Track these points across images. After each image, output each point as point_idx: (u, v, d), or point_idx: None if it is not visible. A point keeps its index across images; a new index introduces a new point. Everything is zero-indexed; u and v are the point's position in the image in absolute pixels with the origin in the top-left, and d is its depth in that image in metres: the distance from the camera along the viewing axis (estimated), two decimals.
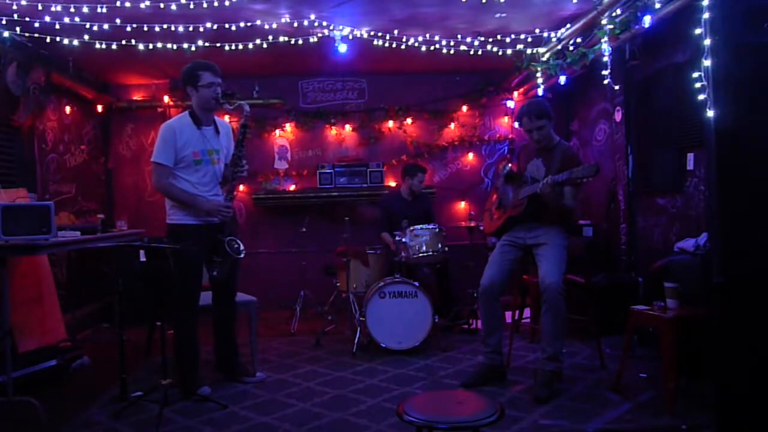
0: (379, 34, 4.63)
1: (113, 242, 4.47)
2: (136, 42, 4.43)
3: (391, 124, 6.32)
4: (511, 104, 6.28)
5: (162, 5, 3.80)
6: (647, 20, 3.69)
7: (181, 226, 3.40)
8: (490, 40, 4.74)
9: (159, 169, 3.35)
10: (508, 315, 4.15)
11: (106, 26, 4.06)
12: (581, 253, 3.93)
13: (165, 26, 4.17)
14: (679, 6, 3.47)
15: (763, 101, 2.18)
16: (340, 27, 4.40)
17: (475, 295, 4.45)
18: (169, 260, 4.04)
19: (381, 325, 4.21)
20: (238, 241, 3.40)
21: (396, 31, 4.63)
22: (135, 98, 6.19)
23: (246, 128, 3.42)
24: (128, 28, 4.14)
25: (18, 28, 4.07)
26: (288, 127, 6.29)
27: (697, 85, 3.00)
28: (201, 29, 4.25)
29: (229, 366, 3.69)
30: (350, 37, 4.50)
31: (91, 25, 4.03)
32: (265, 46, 4.54)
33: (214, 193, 3.46)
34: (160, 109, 6.14)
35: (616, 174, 5.13)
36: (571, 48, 4.47)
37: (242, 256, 3.40)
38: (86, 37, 4.21)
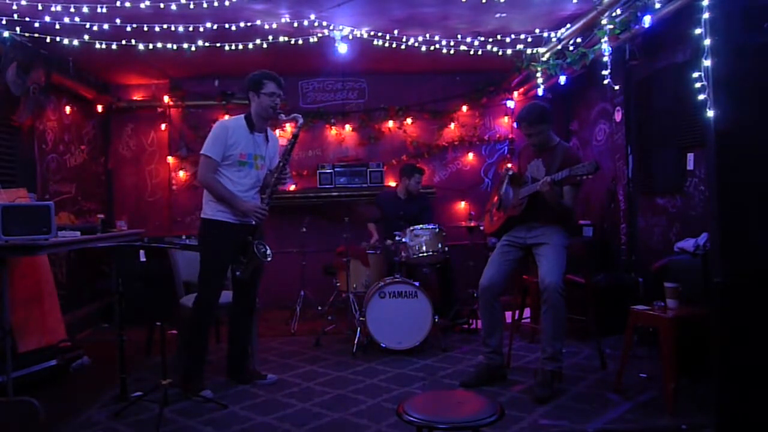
0: (379, 34, 4.63)
1: (113, 242, 4.48)
2: (136, 42, 4.43)
3: (391, 124, 6.32)
4: (511, 104, 6.28)
5: (162, 5, 3.80)
6: (647, 20, 3.69)
7: (215, 222, 3.43)
8: (490, 40, 4.74)
9: (207, 161, 3.40)
10: (508, 315, 4.15)
11: (106, 26, 4.06)
12: (581, 253, 3.93)
13: (165, 26, 4.16)
14: (679, 6, 3.47)
15: (763, 101, 2.18)
16: (340, 27, 4.40)
17: (475, 295, 4.45)
18: (170, 260, 4.06)
19: (381, 325, 4.21)
20: (265, 244, 3.43)
21: (396, 31, 4.63)
22: (135, 98, 6.19)
23: (296, 138, 3.51)
24: (128, 28, 4.14)
25: (18, 28, 4.07)
26: (288, 127, 6.28)
27: (697, 85, 2.99)
28: (201, 29, 4.25)
29: (241, 372, 3.69)
30: (350, 37, 4.50)
31: (91, 25, 4.03)
32: (265, 46, 4.54)
33: (251, 196, 3.51)
34: (160, 109, 6.14)
35: (616, 174, 5.13)
36: (571, 48, 4.47)
37: (269, 259, 3.43)
38: (86, 37, 4.21)
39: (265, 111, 3.47)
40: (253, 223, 3.44)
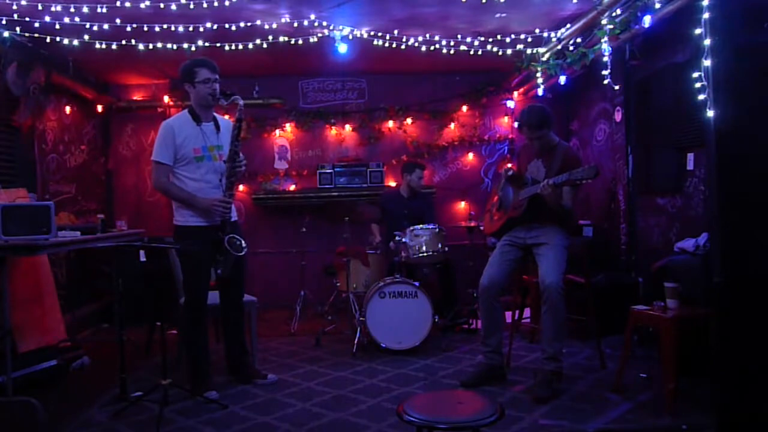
0: (379, 34, 4.62)
1: (113, 242, 4.47)
2: (136, 42, 4.43)
3: (391, 124, 6.32)
4: (511, 104, 6.28)
5: (162, 5, 3.80)
6: (647, 20, 3.69)
7: (186, 228, 3.41)
8: (490, 40, 4.74)
9: (158, 167, 3.37)
10: (508, 315, 4.15)
11: (106, 26, 4.06)
12: (581, 253, 3.92)
13: (165, 26, 4.16)
14: (679, 6, 3.46)
15: (763, 101, 2.18)
16: (340, 27, 4.40)
17: (475, 295, 4.45)
18: (170, 260, 4.06)
19: (381, 325, 4.21)
20: (238, 237, 3.40)
21: (396, 31, 4.63)
22: (135, 98, 6.20)
23: (241, 122, 3.42)
24: (128, 28, 4.14)
25: (18, 28, 4.07)
26: (288, 127, 6.30)
27: (697, 85, 3.00)
28: (201, 29, 4.25)
29: (240, 369, 3.69)
30: (350, 37, 4.50)
31: (91, 25, 4.03)
32: (265, 46, 4.54)
33: (217, 190, 3.44)
34: (160, 109, 6.14)
35: (616, 174, 5.13)
36: (571, 48, 4.47)
37: (243, 252, 3.40)
38: (86, 37, 4.20)
39: (204, 99, 3.39)
40: (218, 219, 3.37)
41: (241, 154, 3.43)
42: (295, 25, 4.32)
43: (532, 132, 3.48)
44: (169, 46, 4.51)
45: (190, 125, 3.40)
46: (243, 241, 3.40)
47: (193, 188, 3.37)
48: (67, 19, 3.92)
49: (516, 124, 5.89)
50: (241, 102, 3.40)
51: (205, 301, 3.49)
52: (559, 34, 4.46)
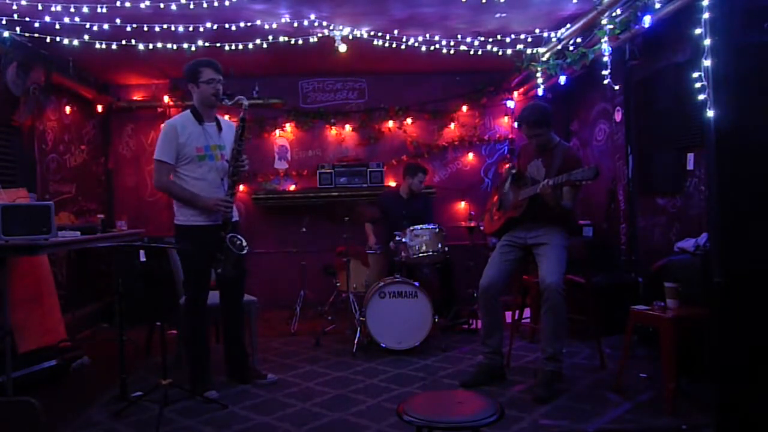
0: (379, 34, 4.63)
1: (113, 242, 4.48)
2: (136, 42, 4.43)
3: (391, 124, 6.32)
4: (511, 104, 6.28)
5: (162, 5, 3.80)
6: (647, 20, 3.69)
7: (187, 227, 3.41)
8: (490, 40, 4.74)
9: (160, 166, 3.37)
10: (508, 315, 4.15)
11: (106, 26, 4.06)
12: (581, 253, 3.93)
13: (165, 26, 4.17)
14: (679, 6, 3.47)
15: (763, 101, 2.18)
16: (340, 27, 4.40)
17: (475, 295, 4.45)
18: (170, 260, 4.06)
19: (381, 325, 4.21)
20: (239, 237, 3.39)
21: (396, 31, 4.63)
22: (135, 98, 6.19)
23: (244, 122, 3.41)
24: (128, 28, 4.14)
25: (18, 28, 4.07)
26: (288, 127, 6.30)
27: (697, 85, 3.00)
28: (201, 29, 4.25)
29: (240, 371, 3.68)
30: (350, 37, 4.50)
31: (91, 25, 4.04)
32: (265, 46, 4.54)
33: (219, 189, 3.43)
34: (160, 109, 6.14)
35: (616, 174, 5.13)
36: (571, 48, 4.47)
37: (245, 252, 3.39)
38: (86, 37, 4.21)
39: (207, 99, 3.40)
40: (221, 218, 3.37)
41: (243, 154, 3.43)
42: (295, 25, 4.32)
43: (531, 130, 3.49)
44: (169, 46, 4.51)
45: (192, 124, 3.40)
46: (244, 241, 3.40)
47: (194, 187, 3.37)
48: (67, 19, 3.92)
49: (516, 123, 5.89)
50: (246, 102, 3.40)
51: (204, 301, 3.49)
52: (559, 34, 4.47)
